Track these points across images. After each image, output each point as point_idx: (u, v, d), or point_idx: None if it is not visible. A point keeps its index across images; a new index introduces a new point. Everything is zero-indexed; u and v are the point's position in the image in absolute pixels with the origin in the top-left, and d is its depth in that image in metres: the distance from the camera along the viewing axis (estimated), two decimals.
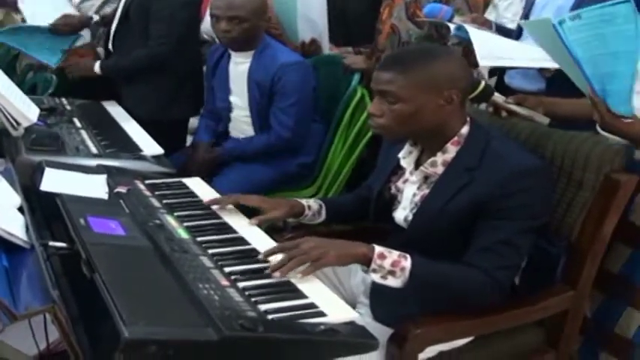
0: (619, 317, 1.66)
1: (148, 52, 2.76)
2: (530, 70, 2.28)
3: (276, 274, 1.33)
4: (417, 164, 1.56)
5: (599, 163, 1.52)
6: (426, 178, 1.54)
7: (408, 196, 1.57)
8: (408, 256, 1.39)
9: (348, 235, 1.48)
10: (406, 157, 1.58)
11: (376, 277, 1.38)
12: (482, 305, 1.44)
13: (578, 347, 1.76)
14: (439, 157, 1.50)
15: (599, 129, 1.64)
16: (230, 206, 1.73)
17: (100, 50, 3.10)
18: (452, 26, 1.86)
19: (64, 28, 2.90)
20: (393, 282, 1.38)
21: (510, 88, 2.43)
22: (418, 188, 1.55)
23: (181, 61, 2.81)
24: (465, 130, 1.49)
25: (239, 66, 2.55)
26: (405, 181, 1.59)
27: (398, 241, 1.45)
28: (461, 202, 1.44)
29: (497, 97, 1.72)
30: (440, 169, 1.50)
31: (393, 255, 1.38)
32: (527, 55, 1.90)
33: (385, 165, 1.68)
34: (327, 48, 2.79)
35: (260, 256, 1.42)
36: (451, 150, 1.49)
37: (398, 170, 1.62)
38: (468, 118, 1.51)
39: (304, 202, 1.74)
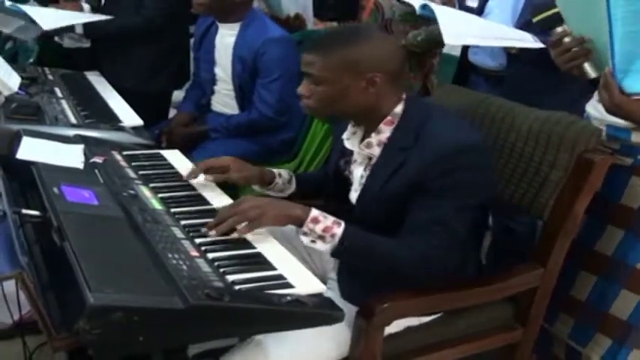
0: (614, 299, 1.67)
1: (143, 19, 2.70)
2: (494, 47, 2.28)
3: (212, 232, 1.37)
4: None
5: (573, 143, 1.53)
6: (369, 159, 1.52)
7: (357, 177, 1.57)
8: (342, 223, 1.39)
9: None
10: (350, 138, 1.57)
11: (306, 241, 1.39)
12: (420, 279, 1.44)
13: (571, 329, 1.77)
14: (374, 138, 1.49)
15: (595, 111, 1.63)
16: (207, 180, 1.71)
17: (86, 7, 2.96)
18: (417, 5, 1.83)
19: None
20: (321, 246, 1.39)
21: (473, 64, 2.44)
22: (364, 169, 1.54)
23: (170, 32, 2.78)
24: (398, 109, 1.47)
25: (225, 38, 2.53)
26: (354, 162, 1.59)
27: (350, 220, 1.44)
28: (397, 182, 1.43)
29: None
30: (376, 150, 1.49)
31: (327, 221, 1.39)
32: (494, 34, 1.88)
33: (336, 146, 1.67)
34: (311, 23, 2.77)
35: (206, 227, 1.40)
36: (385, 130, 1.47)
37: (347, 151, 1.61)
38: (404, 96, 1.49)
39: (275, 170, 1.74)
